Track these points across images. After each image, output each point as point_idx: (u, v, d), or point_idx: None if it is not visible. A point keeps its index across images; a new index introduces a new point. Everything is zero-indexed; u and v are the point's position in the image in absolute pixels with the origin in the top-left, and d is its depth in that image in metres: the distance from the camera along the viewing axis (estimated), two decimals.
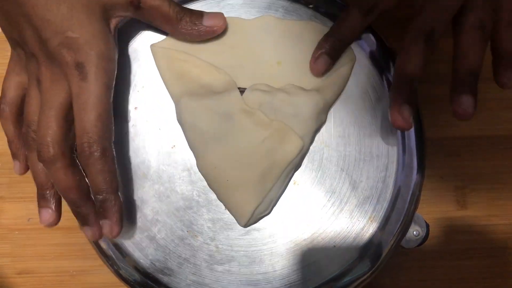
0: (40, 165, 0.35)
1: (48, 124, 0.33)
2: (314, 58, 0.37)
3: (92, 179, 0.34)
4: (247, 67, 0.38)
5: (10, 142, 0.38)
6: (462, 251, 0.45)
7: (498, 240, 0.45)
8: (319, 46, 0.37)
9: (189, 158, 0.38)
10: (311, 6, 0.39)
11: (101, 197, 0.34)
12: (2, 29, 0.36)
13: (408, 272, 0.45)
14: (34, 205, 0.46)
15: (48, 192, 0.36)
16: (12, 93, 0.37)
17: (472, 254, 0.45)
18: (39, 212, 0.37)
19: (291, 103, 0.36)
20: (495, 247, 0.45)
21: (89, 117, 0.32)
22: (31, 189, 0.46)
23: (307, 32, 0.38)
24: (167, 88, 0.38)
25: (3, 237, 0.46)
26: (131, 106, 0.38)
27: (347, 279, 0.37)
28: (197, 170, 0.37)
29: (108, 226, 0.34)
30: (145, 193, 0.38)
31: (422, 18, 0.33)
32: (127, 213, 0.37)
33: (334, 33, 0.37)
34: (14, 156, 0.38)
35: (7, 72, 0.37)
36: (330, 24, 0.39)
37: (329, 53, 0.37)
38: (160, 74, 0.38)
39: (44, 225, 0.36)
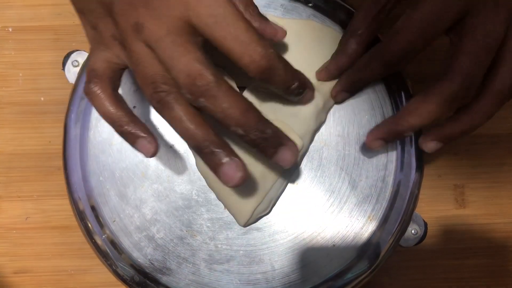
0: (191, 111, 0.29)
1: (188, 59, 0.28)
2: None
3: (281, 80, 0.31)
4: None
5: (116, 122, 0.32)
6: (460, 250, 0.45)
7: (496, 239, 0.45)
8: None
9: (188, 158, 0.38)
10: (310, 4, 0.39)
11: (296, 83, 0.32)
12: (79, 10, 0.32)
13: (406, 271, 0.45)
14: (31, 204, 0.46)
15: (215, 144, 0.30)
16: (103, 65, 0.32)
17: (471, 252, 0.45)
18: (220, 173, 0.30)
19: (291, 103, 0.36)
20: (493, 246, 0.45)
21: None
22: (29, 188, 0.46)
23: (307, 31, 0.38)
24: None
25: (0, 236, 0.46)
26: (129, 106, 0.38)
27: (346, 278, 0.37)
28: (196, 169, 0.37)
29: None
30: (144, 193, 0.37)
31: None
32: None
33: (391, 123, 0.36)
34: (132, 136, 0.32)
35: (91, 52, 0.33)
36: (329, 22, 0.39)
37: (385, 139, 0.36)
38: None
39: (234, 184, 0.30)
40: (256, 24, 0.33)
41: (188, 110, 0.30)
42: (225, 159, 0.30)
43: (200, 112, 0.30)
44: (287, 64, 0.31)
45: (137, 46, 0.29)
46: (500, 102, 0.33)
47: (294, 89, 0.32)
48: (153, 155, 0.32)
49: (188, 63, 0.28)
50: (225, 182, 0.30)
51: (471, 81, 0.32)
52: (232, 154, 0.30)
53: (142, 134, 0.32)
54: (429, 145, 0.36)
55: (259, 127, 0.30)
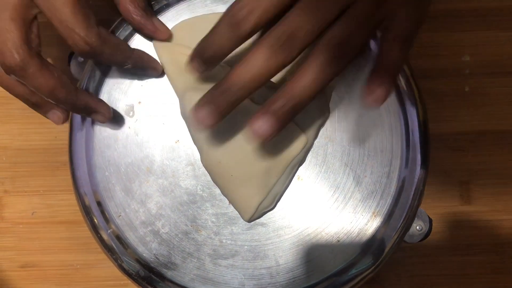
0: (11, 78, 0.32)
1: (5, 37, 0.30)
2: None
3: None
4: None
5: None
6: (465, 246, 0.45)
7: (502, 236, 0.45)
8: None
9: (193, 153, 0.38)
10: None
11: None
12: None
13: (411, 267, 0.45)
14: (38, 199, 0.46)
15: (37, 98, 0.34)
16: None
17: (476, 249, 0.45)
18: (48, 117, 0.36)
19: None
20: (499, 242, 0.45)
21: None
22: (35, 183, 0.47)
23: None
24: (171, 83, 0.38)
25: (7, 231, 0.47)
26: (134, 101, 0.38)
27: (350, 273, 0.37)
28: (201, 164, 0.37)
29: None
30: (149, 188, 0.38)
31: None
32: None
33: None
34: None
35: None
36: None
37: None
38: (164, 69, 0.38)
39: (59, 124, 0.36)
40: (137, 17, 0.36)
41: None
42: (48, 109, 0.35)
43: None
44: (117, 45, 0.34)
45: None
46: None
47: (130, 67, 0.35)
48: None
49: (3, 41, 0.30)
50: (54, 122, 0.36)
51: None
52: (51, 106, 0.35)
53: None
54: (376, 94, 0.31)
55: (68, 101, 0.33)
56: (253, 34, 0.30)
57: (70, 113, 0.38)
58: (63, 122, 0.36)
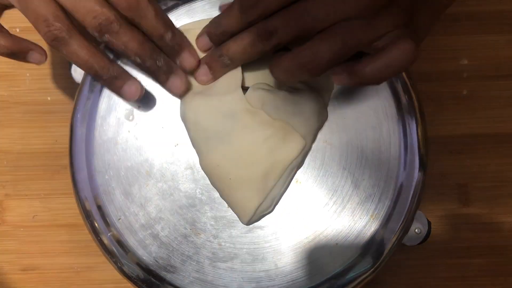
0: (85, 44, 0.34)
1: (92, 3, 0.33)
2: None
3: (151, 25, 0.35)
4: (250, 66, 0.38)
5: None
6: (464, 248, 0.45)
7: (500, 238, 0.45)
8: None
9: (192, 157, 0.38)
10: None
11: (169, 34, 0.35)
12: None
13: (410, 270, 0.45)
14: (39, 202, 0.47)
15: (112, 70, 0.36)
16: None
17: (474, 252, 0.45)
18: (124, 91, 0.36)
19: (293, 102, 0.36)
20: (497, 245, 0.45)
21: None
22: (36, 187, 0.47)
23: None
24: None
25: (9, 234, 0.47)
26: (134, 105, 0.39)
27: (349, 276, 0.37)
28: (200, 168, 0.38)
29: (187, 57, 0.36)
30: (148, 191, 0.38)
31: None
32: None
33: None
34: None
35: None
36: None
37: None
38: None
39: (133, 99, 0.37)
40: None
41: (82, 43, 0.34)
42: (123, 81, 0.36)
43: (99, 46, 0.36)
44: (156, 14, 0.35)
45: None
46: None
47: (167, 41, 0.36)
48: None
49: (93, 7, 0.33)
50: (127, 99, 0.37)
51: None
52: (128, 77, 0.36)
53: None
54: (338, 78, 0.34)
55: (153, 56, 0.35)
56: (259, 21, 0.34)
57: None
58: (139, 96, 0.36)
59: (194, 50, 0.37)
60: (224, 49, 0.36)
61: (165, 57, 0.36)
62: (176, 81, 0.36)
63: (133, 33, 0.34)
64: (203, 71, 0.37)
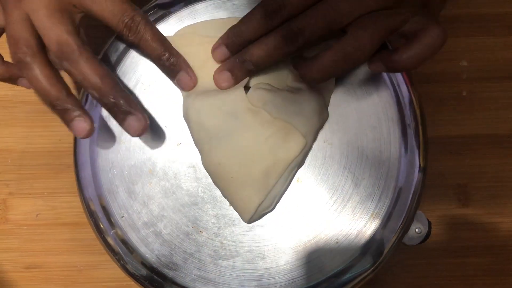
0: (47, 73, 0.34)
1: (60, 30, 0.33)
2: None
3: (149, 46, 0.36)
4: None
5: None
6: (464, 248, 0.45)
7: (499, 238, 0.45)
8: None
9: (195, 155, 0.38)
10: None
11: (166, 55, 0.37)
12: None
13: (410, 269, 0.45)
14: (42, 201, 0.47)
15: (66, 102, 0.34)
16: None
17: (474, 251, 0.45)
18: (73, 126, 0.35)
19: (294, 101, 0.37)
20: (496, 244, 0.45)
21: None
22: (40, 185, 0.47)
23: None
24: None
25: (12, 232, 0.47)
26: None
27: (349, 275, 0.37)
28: (202, 167, 0.38)
29: (184, 77, 0.37)
30: (151, 190, 0.38)
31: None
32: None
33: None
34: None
35: None
36: None
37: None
38: None
39: (81, 137, 0.35)
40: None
41: (44, 71, 0.34)
42: (74, 114, 0.34)
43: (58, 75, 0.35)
44: (155, 35, 0.36)
45: (15, 12, 0.34)
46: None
47: (165, 60, 0.37)
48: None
49: (59, 34, 0.33)
50: (76, 135, 0.35)
51: None
52: (80, 113, 0.34)
53: None
54: (375, 67, 0.37)
55: (112, 93, 0.34)
56: (281, 24, 0.35)
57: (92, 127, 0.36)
58: (87, 135, 0.35)
59: (191, 69, 0.38)
60: (247, 55, 0.36)
61: (125, 95, 0.35)
62: (134, 122, 0.35)
63: (93, 65, 0.34)
64: (225, 77, 0.37)
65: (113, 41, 0.39)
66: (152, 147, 0.39)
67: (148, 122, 0.35)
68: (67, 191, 0.47)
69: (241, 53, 0.36)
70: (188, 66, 0.38)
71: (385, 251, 0.38)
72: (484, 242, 0.45)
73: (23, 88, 0.48)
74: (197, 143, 0.38)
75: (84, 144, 0.39)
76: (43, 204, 0.47)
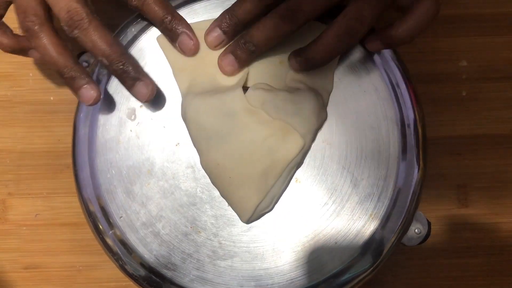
0: (55, 41, 0.35)
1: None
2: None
3: (151, 9, 0.37)
4: (250, 66, 0.38)
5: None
6: (463, 249, 0.45)
7: (499, 238, 0.45)
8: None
9: (193, 156, 0.38)
10: None
11: (168, 18, 0.37)
12: None
13: (409, 270, 0.45)
14: (41, 201, 0.47)
15: (74, 70, 0.35)
16: None
17: (474, 252, 0.45)
18: (81, 94, 0.36)
19: (293, 101, 0.37)
20: (496, 245, 0.45)
21: None
22: (38, 186, 0.47)
23: (309, 31, 0.38)
24: (174, 77, 0.39)
25: (11, 233, 0.47)
26: (136, 105, 0.39)
27: (348, 275, 0.37)
28: (200, 167, 0.38)
29: (186, 39, 0.37)
30: (150, 190, 0.38)
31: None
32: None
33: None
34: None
35: None
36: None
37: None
38: (169, 64, 0.39)
39: (88, 104, 0.36)
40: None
41: (52, 40, 0.35)
42: (82, 82, 0.35)
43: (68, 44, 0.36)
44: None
45: None
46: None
47: (168, 22, 0.37)
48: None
49: (69, 2, 0.34)
50: (84, 102, 0.36)
51: None
52: (88, 81, 0.35)
53: None
54: (373, 45, 0.38)
55: (121, 60, 0.35)
56: (275, 5, 0.35)
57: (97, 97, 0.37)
58: (94, 102, 0.36)
59: (194, 34, 0.37)
60: (248, 36, 0.36)
61: (134, 62, 0.36)
62: (142, 88, 0.36)
63: (103, 33, 0.35)
64: (229, 60, 0.37)
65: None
66: (151, 147, 0.39)
67: (156, 87, 0.37)
68: (66, 191, 0.47)
69: (242, 36, 0.37)
70: (190, 29, 0.38)
71: (384, 251, 0.38)
72: (484, 243, 0.45)
73: (23, 88, 0.48)
74: (195, 143, 0.38)
75: (83, 144, 0.39)
76: (42, 204, 0.47)
